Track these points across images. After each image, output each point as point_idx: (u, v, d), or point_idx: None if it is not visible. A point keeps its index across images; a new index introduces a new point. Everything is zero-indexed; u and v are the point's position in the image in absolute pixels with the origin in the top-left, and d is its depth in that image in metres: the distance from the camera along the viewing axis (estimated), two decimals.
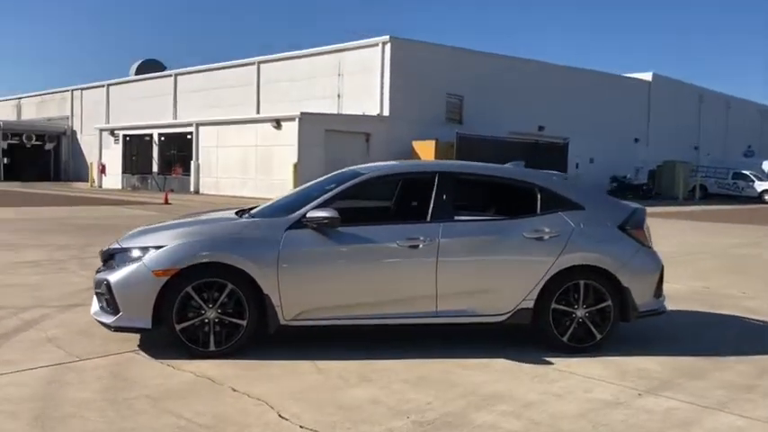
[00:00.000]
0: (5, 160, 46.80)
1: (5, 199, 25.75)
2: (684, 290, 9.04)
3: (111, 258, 5.53)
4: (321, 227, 5.37)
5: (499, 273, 5.60)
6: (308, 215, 5.40)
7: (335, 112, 31.41)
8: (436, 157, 27.38)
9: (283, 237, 5.35)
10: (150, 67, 47.74)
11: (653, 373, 5.25)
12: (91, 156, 41.26)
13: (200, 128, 32.11)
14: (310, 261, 5.36)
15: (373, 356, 5.42)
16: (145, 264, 5.21)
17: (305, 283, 5.35)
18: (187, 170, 32.47)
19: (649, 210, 6.95)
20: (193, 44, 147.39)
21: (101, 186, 37.79)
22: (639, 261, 5.83)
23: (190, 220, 6.15)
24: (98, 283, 5.41)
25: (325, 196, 5.60)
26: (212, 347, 5.27)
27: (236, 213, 5.93)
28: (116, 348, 5.44)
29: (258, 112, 34.17)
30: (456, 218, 5.68)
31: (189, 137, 32.59)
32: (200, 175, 31.40)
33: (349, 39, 32.45)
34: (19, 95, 55.88)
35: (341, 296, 5.43)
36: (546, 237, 5.66)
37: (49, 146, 48.90)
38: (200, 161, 31.90)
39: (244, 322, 5.29)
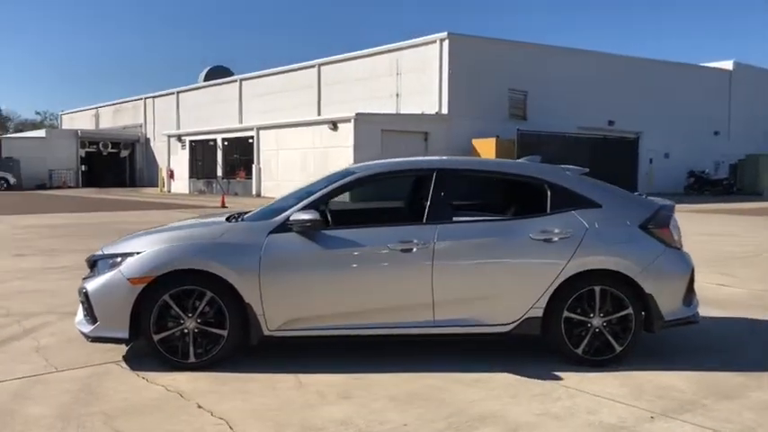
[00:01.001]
0: (84, 168, 48.75)
1: (72, 204, 26.65)
2: (743, 294, 8.22)
3: (94, 266, 5.33)
4: (305, 230, 5.00)
5: (502, 278, 5.09)
6: (291, 218, 5.05)
7: (394, 111, 31.08)
8: (497, 156, 26.63)
9: (265, 241, 5.02)
10: (218, 73, 48.77)
11: (676, 391, 4.63)
12: (162, 162, 42.43)
13: (261, 132, 32.43)
14: (294, 267, 5.00)
15: (364, 369, 5.01)
16: (121, 271, 4.98)
17: (288, 291, 5.00)
18: (250, 173, 32.85)
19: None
20: (259, 50, 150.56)
21: (170, 191, 38.78)
22: (664, 264, 5.19)
23: (174, 225, 5.90)
24: (79, 292, 5.23)
25: (312, 198, 5.23)
26: (192, 359, 4.99)
27: (229, 218, 5.63)
28: (99, 359, 5.24)
29: (319, 114, 34.24)
30: (455, 219, 5.20)
31: (250, 141, 32.98)
32: (262, 179, 31.69)
33: (406, 37, 31.82)
34: (97, 105, 58.18)
35: (327, 305, 5.04)
36: (555, 238, 5.11)
37: (124, 153, 50.70)
38: (261, 164, 32.22)
39: (225, 333, 4.98)
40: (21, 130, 68.50)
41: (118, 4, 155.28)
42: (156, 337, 4.96)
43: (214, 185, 35.42)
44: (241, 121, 39.61)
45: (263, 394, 4.52)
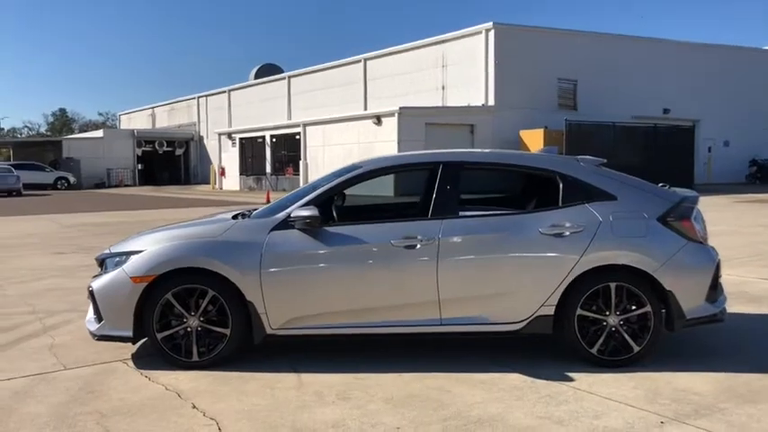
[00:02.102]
0: (140, 166, 50.02)
1: (123, 202, 27.35)
2: None
3: (103, 264, 5.36)
4: (307, 227, 4.91)
5: (511, 275, 4.89)
6: (292, 215, 4.96)
7: (440, 104, 30.79)
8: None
9: (267, 239, 4.94)
10: (268, 70, 49.27)
11: (693, 394, 4.35)
12: (214, 159, 43.17)
13: (307, 128, 32.60)
14: (295, 265, 4.91)
15: (367, 368, 4.89)
16: (124, 270, 4.99)
17: (290, 289, 4.92)
18: (297, 170, 33.09)
19: None
20: (308, 47, 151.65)
21: (221, 188, 39.43)
22: (685, 258, 4.90)
23: (180, 223, 5.89)
24: (88, 290, 5.26)
25: (314, 193, 5.13)
26: (196, 358, 4.96)
27: (236, 216, 5.58)
28: (108, 357, 5.27)
29: (365, 108, 34.22)
30: (461, 213, 5.02)
31: (297, 137, 33.20)
32: (309, 174, 31.86)
33: (451, 29, 31.40)
34: (153, 105, 59.63)
35: (330, 303, 4.94)
36: (567, 232, 4.88)
37: (179, 151, 51.79)
38: (307, 160, 32.40)
39: (228, 331, 4.94)
40: (85, 131, 70.77)
41: (185, 4, 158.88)
42: (159, 336, 4.95)
43: (263, 182, 35.83)
44: (290, 118, 39.96)
45: (260, 394, 4.45)
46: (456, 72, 30.75)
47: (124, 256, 5.10)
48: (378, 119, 27.79)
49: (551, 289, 4.86)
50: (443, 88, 31.25)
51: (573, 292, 4.86)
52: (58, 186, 43.31)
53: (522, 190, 5.49)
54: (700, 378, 4.65)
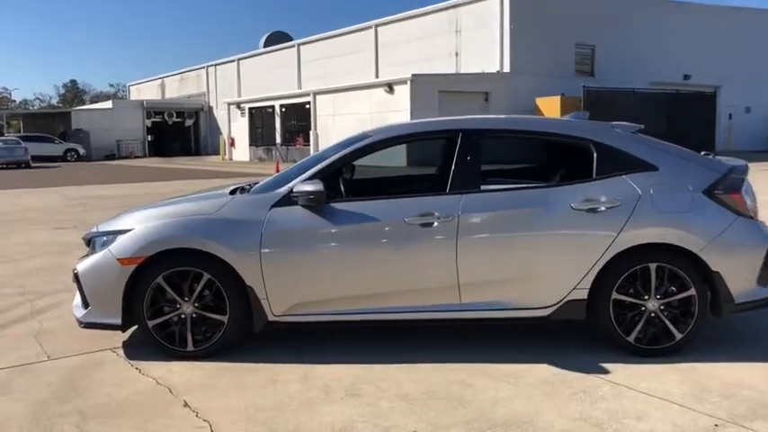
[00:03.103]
0: (150, 137, 49.60)
1: (131, 174, 26.96)
2: None
3: (91, 244, 4.90)
4: (311, 203, 4.41)
5: (539, 255, 4.38)
6: (294, 189, 4.46)
7: (454, 71, 29.99)
8: (562, 115, 25.33)
9: (267, 216, 4.45)
10: (278, 38, 48.35)
11: (748, 390, 3.86)
12: (224, 130, 42.64)
13: (317, 97, 31.93)
14: (299, 245, 4.43)
15: (380, 359, 4.43)
16: (111, 251, 4.52)
17: (293, 272, 4.44)
18: (308, 140, 32.52)
19: None
20: (318, 14, 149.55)
21: (231, 159, 38.97)
22: (735, 236, 4.36)
23: (173, 198, 5.41)
24: (73, 273, 4.81)
25: (319, 166, 4.63)
26: (191, 347, 4.52)
27: (234, 191, 5.08)
28: (97, 345, 4.84)
29: (377, 77, 33.42)
30: (483, 187, 4.50)
31: (307, 106, 32.56)
32: (319, 145, 31.28)
33: None
34: (162, 75, 58.97)
35: (338, 287, 4.46)
36: (602, 207, 4.35)
37: (188, 122, 51.22)
38: (318, 130, 31.80)
39: (225, 318, 4.48)
40: (96, 102, 70.29)
41: None
42: (150, 324, 4.51)
43: (274, 153, 35.31)
44: (300, 87, 39.24)
45: (261, 389, 4.00)
46: (470, 38, 29.86)
47: (111, 236, 4.63)
48: (390, 87, 27.09)
49: (584, 270, 4.35)
50: (457, 55, 30.40)
51: (608, 273, 4.36)
52: (68, 158, 42.99)
53: (550, 160, 4.95)
54: (752, 370, 4.16)
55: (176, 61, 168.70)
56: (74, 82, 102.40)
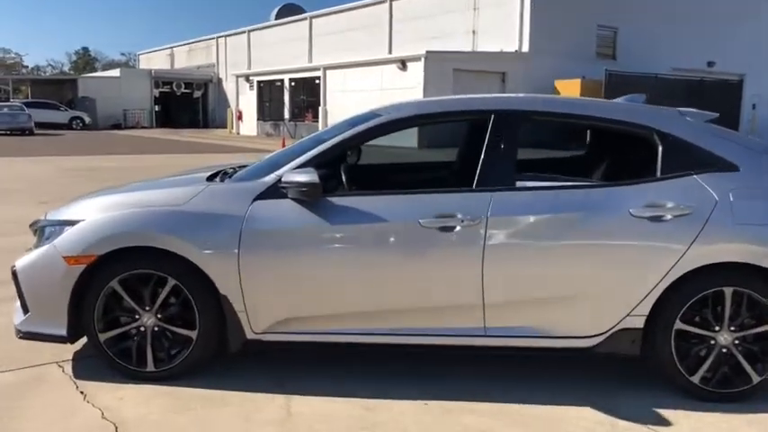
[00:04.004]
0: (157, 108, 48.69)
1: (134, 145, 26.09)
2: None
3: (39, 234, 4.05)
4: (302, 197, 3.53)
5: (587, 271, 3.50)
6: (283, 178, 3.58)
7: (470, 50, 28.86)
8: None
9: (248, 211, 3.58)
10: (290, 11, 47.02)
11: None
12: (233, 103, 41.70)
13: (328, 72, 30.87)
14: (286, 247, 3.56)
15: (382, 393, 3.58)
16: (56, 246, 3.67)
17: (279, 281, 3.58)
18: (317, 116, 31.54)
19: None
20: None
21: (238, 133, 38.03)
22: None
23: (136, 183, 4.55)
24: (11, 271, 3.96)
25: (315, 150, 3.74)
26: (151, 367, 3.68)
27: (213, 176, 4.21)
28: (44, 356, 4.00)
29: (390, 53, 32.30)
30: (519, 184, 3.61)
31: (317, 81, 31.53)
32: (329, 121, 30.28)
33: None
34: (171, 45, 57.87)
35: (333, 301, 3.60)
36: (668, 215, 3.46)
37: (197, 93, 50.21)
38: (327, 106, 30.80)
39: (194, 334, 3.63)
40: (107, 71, 69.28)
41: None
42: (102, 337, 3.67)
43: (281, 128, 34.35)
44: (311, 61, 38.12)
45: (230, 430, 3.16)
46: (488, 15, 28.66)
47: (59, 227, 3.77)
48: (403, 63, 26.03)
49: (642, 293, 3.48)
50: (474, 33, 29.22)
51: (672, 297, 3.48)
52: (73, 126, 42.12)
53: (603, 153, 4.04)
54: None
55: (189, 31, 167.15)
56: (86, 49, 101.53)
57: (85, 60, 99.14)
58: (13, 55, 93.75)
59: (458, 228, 3.50)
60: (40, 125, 37.08)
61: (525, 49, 27.31)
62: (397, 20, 33.50)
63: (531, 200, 3.56)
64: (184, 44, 55.84)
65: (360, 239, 3.55)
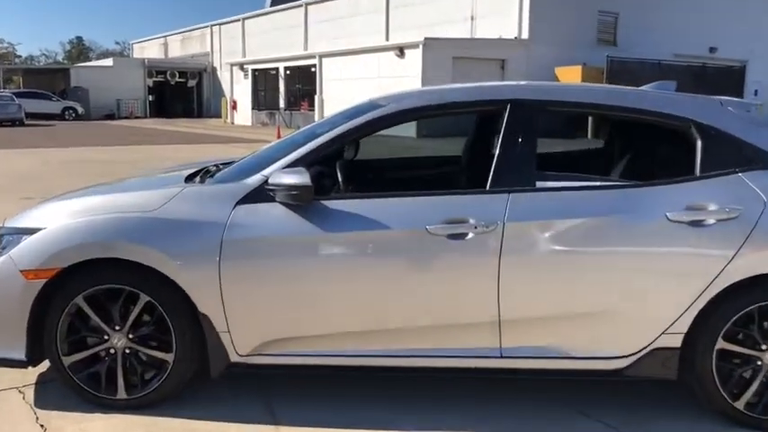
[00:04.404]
0: (151, 97, 48.05)
1: (125, 136, 25.56)
2: None
3: None
4: (292, 201, 3.09)
5: (616, 284, 3.08)
6: (270, 180, 3.14)
7: (468, 36, 28.31)
8: None
9: (230, 216, 3.14)
10: None
11: None
12: (227, 92, 41.12)
13: (324, 59, 30.30)
14: (273, 258, 3.13)
15: (384, 422, 3.15)
16: (12, 258, 3.22)
17: (265, 297, 3.15)
18: (313, 105, 31.01)
19: None
20: None
21: (233, 123, 37.48)
22: None
23: (105, 185, 4.10)
24: None
25: (306, 147, 3.29)
26: (122, 394, 3.25)
27: (193, 175, 3.76)
28: (2, 381, 3.56)
29: (387, 40, 31.73)
30: (539, 183, 3.17)
31: (313, 70, 30.97)
32: (325, 111, 29.77)
33: None
34: (165, 34, 57.10)
35: (328, 319, 3.17)
36: (711, 219, 3.03)
37: (191, 83, 49.56)
38: (323, 95, 30.26)
39: (170, 357, 3.20)
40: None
41: None
42: (66, 360, 3.24)
43: (276, 117, 33.82)
44: (306, 49, 37.51)
45: None
46: (487, 1, 28.11)
47: (16, 236, 3.33)
48: (400, 51, 25.48)
49: (680, 308, 3.05)
50: (472, 19, 28.65)
51: (713, 313, 3.06)
52: (66, 117, 41.50)
53: (633, 148, 3.59)
54: None
55: (185, 20, 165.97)
56: (80, 39, 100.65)
57: (79, 50, 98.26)
58: (5, 45, 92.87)
59: (470, 235, 3.06)
60: (32, 116, 36.51)
61: (525, 35, 26.77)
62: (394, 6, 32.88)
63: (554, 202, 3.12)
64: (178, 33, 55.11)
65: (359, 249, 3.12)
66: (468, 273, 3.09)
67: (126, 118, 44.82)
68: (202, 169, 3.90)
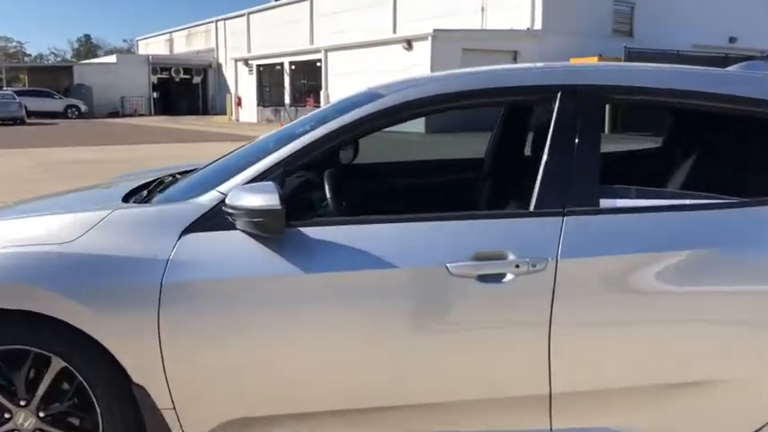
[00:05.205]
0: (155, 95, 47.36)
1: (125, 134, 24.78)
2: None
3: None
4: (256, 230, 2.20)
5: (722, 340, 2.18)
6: (228, 200, 2.24)
7: (479, 28, 27.35)
8: None
9: (174, 250, 2.25)
10: None
11: None
12: (233, 88, 40.33)
13: (329, 54, 29.40)
14: (233, 309, 2.24)
15: None
16: None
17: (224, 362, 2.26)
18: (319, 101, 30.13)
19: None
20: None
21: (237, 120, 36.66)
22: None
23: (36, 200, 3.22)
24: None
25: (277, 154, 2.39)
26: None
27: (135, 191, 2.88)
28: None
29: (395, 33, 30.81)
30: (604, 202, 2.26)
31: (318, 64, 30.10)
32: None
33: None
34: (170, 30, 56.35)
35: (311, 392, 2.29)
36: None
37: (196, 79, 48.83)
38: (329, 90, 29.37)
39: None
40: None
41: None
42: None
43: (282, 114, 32.96)
44: (312, 43, 36.65)
45: None
46: None
47: None
48: (408, 43, 24.55)
49: None
50: (483, 10, 27.66)
51: None
52: (69, 115, 40.85)
53: (733, 153, 2.64)
54: None
55: (193, 16, 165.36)
56: (87, 37, 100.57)
57: (87, 48, 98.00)
58: (14, 44, 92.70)
59: (509, 276, 2.17)
60: (35, 114, 36.01)
61: (538, 26, 25.86)
62: None
63: (628, 229, 2.21)
64: (183, 29, 54.37)
65: (352, 296, 2.22)
66: (505, 330, 2.20)
67: (130, 116, 44.17)
68: (154, 181, 3.03)
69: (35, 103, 38.18)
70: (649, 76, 2.54)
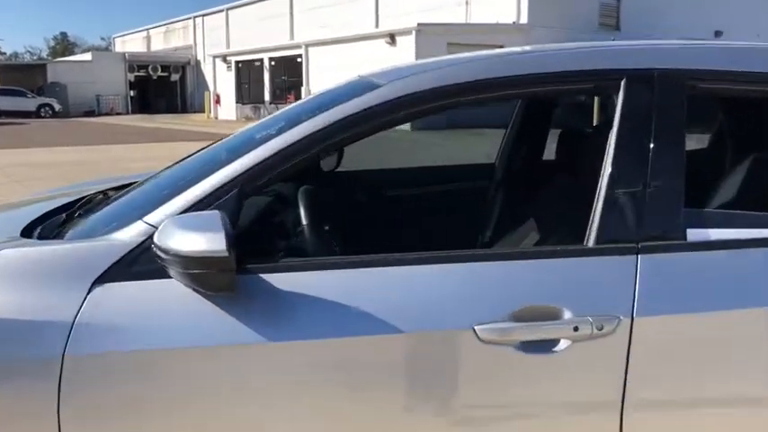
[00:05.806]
0: (132, 93, 46.32)
1: (96, 134, 23.90)
2: None
3: None
4: (193, 283, 1.51)
5: None
6: (156, 239, 1.55)
7: (464, 21, 26.78)
8: None
9: (81, 309, 1.56)
10: None
11: None
12: (212, 86, 39.47)
13: (310, 49, 28.67)
14: (160, 392, 1.55)
15: None
16: None
17: None
18: (299, 98, 29.40)
19: None
20: None
21: (216, 118, 35.82)
22: None
23: None
24: None
25: (230, 169, 1.68)
26: None
27: (39, 220, 2.18)
28: None
29: (377, 27, 30.15)
30: (693, 232, 1.60)
31: (299, 60, 29.37)
32: None
33: None
34: (147, 27, 55.23)
35: None
36: None
37: (174, 77, 47.84)
38: (310, 87, 28.64)
39: None
40: None
41: None
42: None
43: (262, 111, 32.17)
44: (292, 39, 35.89)
45: None
46: None
47: None
48: (391, 37, 23.88)
49: None
50: (467, 4, 27.10)
51: None
52: (42, 114, 39.77)
53: None
54: None
55: (172, 13, 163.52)
56: (64, 35, 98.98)
57: (64, 46, 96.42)
58: None
59: (564, 343, 1.50)
60: (6, 113, 35.10)
61: (524, 20, 25.36)
62: None
63: (734, 270, 1.56)
64: (161, 25, 53.33)
65: (337, 373, 1.55)
66: (559, 419, 1.54)
67: (107, 114, 43.12)
68: (81, 198, 2.33)
69: (7, 102, 37.25)
70: (742, 57, 1.87)
